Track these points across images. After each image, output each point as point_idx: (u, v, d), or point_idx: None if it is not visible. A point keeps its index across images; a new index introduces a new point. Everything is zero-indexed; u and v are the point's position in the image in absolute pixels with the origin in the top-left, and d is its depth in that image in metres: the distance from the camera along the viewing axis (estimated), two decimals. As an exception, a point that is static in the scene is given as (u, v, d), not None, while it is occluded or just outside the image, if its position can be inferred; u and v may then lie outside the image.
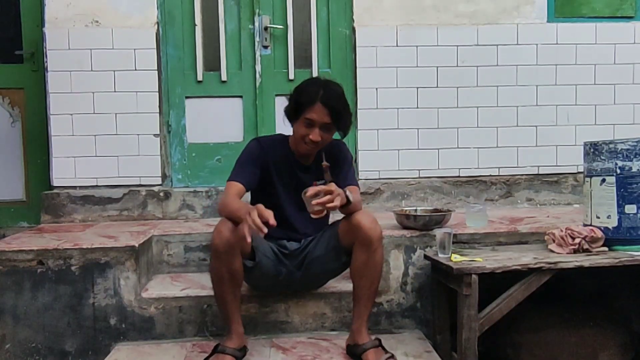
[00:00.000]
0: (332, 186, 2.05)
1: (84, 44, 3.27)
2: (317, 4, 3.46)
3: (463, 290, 2.18)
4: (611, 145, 2.30)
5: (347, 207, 2.16)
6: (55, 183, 3.30)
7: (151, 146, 3.33)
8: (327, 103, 2.16)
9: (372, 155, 3.43)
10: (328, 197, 2.02)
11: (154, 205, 3.29)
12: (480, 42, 3.45)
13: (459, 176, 3.48)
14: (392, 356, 2.16)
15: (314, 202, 2.04)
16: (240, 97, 3.47)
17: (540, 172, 3.52)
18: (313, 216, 2.08)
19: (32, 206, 3.53)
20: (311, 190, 2.04)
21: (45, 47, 3.27)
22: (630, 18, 3.55)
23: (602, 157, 2.32)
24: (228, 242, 2.07)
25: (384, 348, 2.20)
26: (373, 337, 2.24)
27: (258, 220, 1.88)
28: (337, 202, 2.02)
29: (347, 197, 2.12)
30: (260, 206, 1.94)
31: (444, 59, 3.44)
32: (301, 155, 2.31)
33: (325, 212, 2.10)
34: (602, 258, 2.25)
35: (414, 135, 3.45)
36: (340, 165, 2.34)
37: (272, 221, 1.90)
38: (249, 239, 1.91)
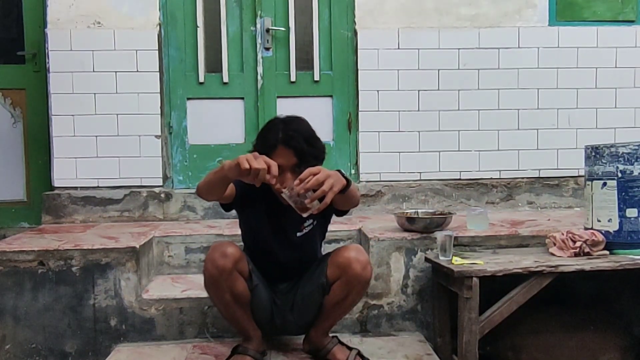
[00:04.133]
0: (318, 168, 1.80)
1: (86, 45, 3.27)
2: (319, 6, 3.46)
3: (464, 293, 2.18)
4: (612, 149, 2.30)
5: (348, 192, 1.90)
6: (56, 184, 3.30)
7: (152, 147, 3.33)
8: (289, 144, 1.98)
9: (373, 157, 3.43)
10: (316, 178, 1.74)
11: (155, 206, 3.29)
12: (481, 45, 3.46)
13: (460, 179, 3.48)
14: (359, 352, 2.19)
15: (299, 187, 1.74)
16: (242, 98, 3.47)
17: (541, 175, 3.52)
18: (304, 214, 1.83)
19: (33, 207, 3.53)
20: (297, 181, 1.78)
21: (47, 48, 3.27)
22: (631, 22, 3.55)
23: (604, 161, 2.32)
24: (223, 268, 1.98)
25: (345, 345, 2.22)
26: (332, 336, 2.24)
27: (258, 164, 1.73)
28: (328, 184, 1.75)
29: (345, 177, 1.87)
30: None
31: (445, 62, 3.44)
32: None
33: (317, 205, 1.78)
34: (603, 262, 2.25)
35: (415, 138, 3.45)
36: None
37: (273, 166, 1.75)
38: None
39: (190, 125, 3.45)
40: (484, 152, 3.49)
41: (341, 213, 2.17)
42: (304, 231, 2.17)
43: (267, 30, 3.43)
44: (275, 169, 1.76)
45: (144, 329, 2.48)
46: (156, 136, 3.33)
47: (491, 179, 3.49)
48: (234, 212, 3.27)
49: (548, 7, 3.49)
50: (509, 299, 2.21)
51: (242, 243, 2.27)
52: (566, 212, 3.37)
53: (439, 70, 3.45)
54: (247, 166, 1.73)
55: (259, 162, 1.75)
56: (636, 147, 2.27)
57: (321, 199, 1.77)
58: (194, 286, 2.59)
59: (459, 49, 3.45)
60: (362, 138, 3.44)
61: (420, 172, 3.46)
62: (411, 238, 2.59)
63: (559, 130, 3.52)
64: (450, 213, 2.72)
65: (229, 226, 2.98)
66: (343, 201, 1.98)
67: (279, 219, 2.14)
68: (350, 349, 2.20)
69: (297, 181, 1.78)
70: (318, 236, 2.28)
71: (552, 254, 2.38)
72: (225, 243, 2.05)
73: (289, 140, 1.98)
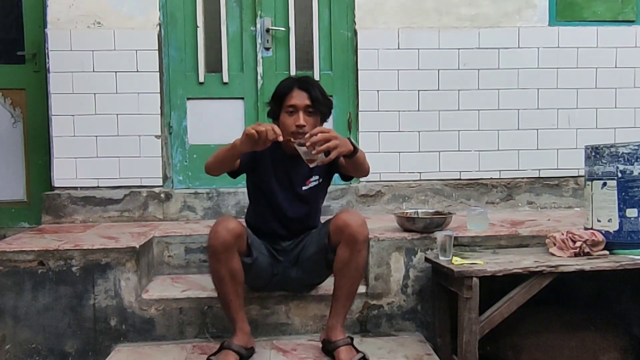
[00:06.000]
0: (329, 129, 2.05)
1: (86, 45, 3.27)
2: (319, 6, 3.46)
3: (464, 293, 2.18)
4: (612, 149, 2.30)
5: (355, 158, 2.14)
6: (56, 184, 3.30)
7: (152, 147, 3.33)
8: (303, 87, 2.26)
9: (373, 157, 3.36)
10: (323, 135, 1.99)
11: (154, 206, 3.29)
12: (481, 45, 3.46)
13: (460, 179, 3.48)
14: (364, 356, 2.19)
15: (308, 143, 1.99)
16: (242, 98, 3.47)
17: (541, 175, 3.52)
18: (310, 165, 2.07)
19: (33, 207, 3.53)
20: (307, 135, 2.02)
21: (47, 48, 3.27)
22: (631, 22, 3.55)
23: (604, 161, 2.32)
24: (224, 242, 2.10)
25: (355, 347, 2.22)
26: (346, 335, 2.26)
27: (262, 127, 1.99)
28: (334, 143, 1.99)
29: (353, 144, 2.09)
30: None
31: (445, 62, 3.44)
32: (293, 152, 2.21)
33: (322, 158, 2.02)
34: (603, 262, 2.25)
35: (415, 138, 3.45)
36: None
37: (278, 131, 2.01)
38: (273, 136, 1.99)
39: (190, 125, 3.45)
40: (484, 152, 3.49)
41: (346, 177, 2.40)
42: (310, 185, 2.36)
43: (267, 30, 3.43)
44: (277, 129, 2.01)
45: (144, 329, 2.48)
46: (156, 136, 3.33)
47: (491, 179, 3.49)
48: (233, 212, 3.29)
49: (548, 7, 3.49)
50: (509, 299, 2.21)
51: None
52: (566, 212, 3.37)
53: (439, 70, 3.45)
54: (255, 133, 1.99)
55: (263, 125, 2.00)
56: (636, 147, 2.27)
57: (327, 154, 2.01)
58: (194, 286, 2.60)
59: (459, 49, 3.45)
60: (362, 138, 3.44)
61: (420, 172, 3.46)
62: (411, 238, 2.59)
63: (559, 130, 3.52)
64: (450, 213, 2.72)
65: (229, 226, 2.97)
66: (350, 166, 2.22)
67: (285, 174, 2.33)
68: (357, 351, 2.20)
69: (307, 135, 2.01)
70: (321, 194, 2.47)
71: (552, 254, 2.38)
72: (228, 218, 2.18)
73: (303, 84, 2.27)
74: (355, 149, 2.11)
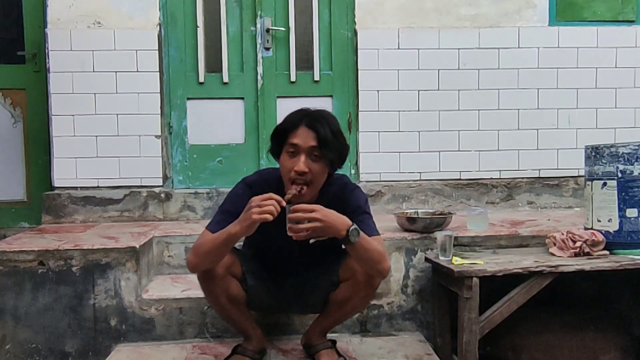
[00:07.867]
0: (317, 207, 1.77)
1: (86, 45, 3.27)
2: (319, 6, 3.46)
3: (464, 293, 2.18)
4: (612, 149, 2.30)
5: (353, 248, 1.83)
6: (56, 184, 3.30)
7: (152, 147, 3.33)
8: (311, 125, 1.88)
9: (373, 157, 3.43)
10: (300, 214, 1.74)
11: (154, 206, 3.29)
12: (481, 45, 3.46)
13: (460, 179, 3.48)
14: None
15: (289, 215, 1.75)
16: (242, 98, 3.47)
17: (541, 175, 3.52)
18: (289, 233, 1.78)
19: (33, 207, 3.53)
20: (295, 206, 1.77)
21: (48, 48, 3.27)
22: (631, 22, 3.55)
23: (604, 161, 2.32)
24: (215, 274, 1.98)
25: (337, 351, 2.19)
26: (327, 339, 2.21)
27: (265, 202, 1.73)
28: (313, 225, 1.74)
29: (347, 233, 1.77)
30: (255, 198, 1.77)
31: (445, 62, 3.44)
32: (299, 196, 1.90)
33: (304, 234, 1.76)
34: (603, 262, 2.25)
35: (415, 138, 3.45)
36: (349, 211, 1.92)
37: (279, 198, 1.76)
38: (269, 218, 1.73)
39: (190, 125, 3.45)
40: (484, 152, 3.49)
41: None
42: (319, 239, 1.88)
43: (267, 30, 3.43)
44: (275, 196, 1.76)
45: (144, 329, 2.48)
46: (156, 136, 3.33)
47: (491, 179, 3.49)
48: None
49: (548, 7, 3.50)
50: (509, 299, 2.21)
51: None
52: (566, 212, 3.37)
53: (439, 70, 3.45)
54: (266, 215, 1.72)
55: (263, 204, 1.73)
56: (636, 147, 2.27)
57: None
58: (193, 286, 2.58)
59: (459, 49, 3.45)
60: (362, 138, 3.44)
61: (420, 172, 3.46)
62: (411, 238, 2.59)
63: (559, 130, 3.52)
64: (450, 213, 2.72)
65: (229, 226, 2.97)
66: (351, 252, 1.88)
67: (284, 219, 1.89)
68: (340, 355, 2.17)
69: (294, 207, 1.76)
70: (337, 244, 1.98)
71: (552, 254, 2.38)
72: None
73: (313, 122, 1.89)
74: (348, 239, 1.78)
